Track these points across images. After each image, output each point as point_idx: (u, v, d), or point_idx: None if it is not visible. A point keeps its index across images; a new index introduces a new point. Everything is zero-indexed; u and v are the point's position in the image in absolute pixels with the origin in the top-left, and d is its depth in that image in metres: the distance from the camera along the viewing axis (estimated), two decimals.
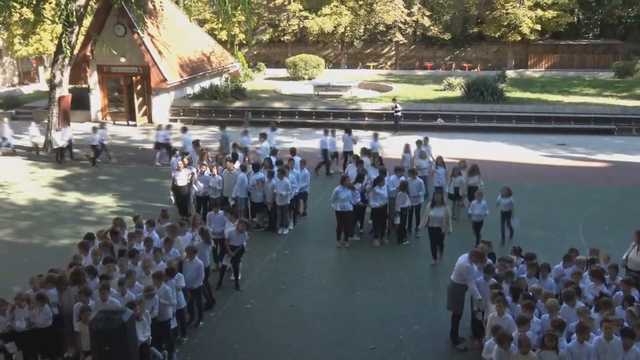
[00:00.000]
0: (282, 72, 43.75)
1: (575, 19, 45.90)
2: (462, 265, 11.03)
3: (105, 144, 24.74)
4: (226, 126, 23.90)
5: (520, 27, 43.35)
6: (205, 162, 17.40)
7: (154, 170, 23.27)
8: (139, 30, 30.26)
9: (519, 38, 44.40)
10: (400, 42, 47.50)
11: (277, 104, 33.67)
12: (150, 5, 31.21)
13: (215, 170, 16.86)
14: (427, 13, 45.72)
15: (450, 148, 24.60)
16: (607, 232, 16.14)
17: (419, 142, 19.67)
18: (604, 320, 9.13)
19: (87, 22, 31.46)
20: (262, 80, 42.11)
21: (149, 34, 31.40)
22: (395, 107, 28.93)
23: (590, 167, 23.59)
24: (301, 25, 46.50)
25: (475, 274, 11.05)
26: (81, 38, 30.58)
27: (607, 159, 24.67)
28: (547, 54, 46.94)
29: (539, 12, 43.51)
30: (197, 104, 33.71)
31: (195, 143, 19.94)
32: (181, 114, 33.13)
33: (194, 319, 12.00)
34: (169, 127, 24.65)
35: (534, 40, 45.42)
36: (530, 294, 10.28)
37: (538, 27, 43.76)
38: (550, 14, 43.47)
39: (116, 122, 32.72)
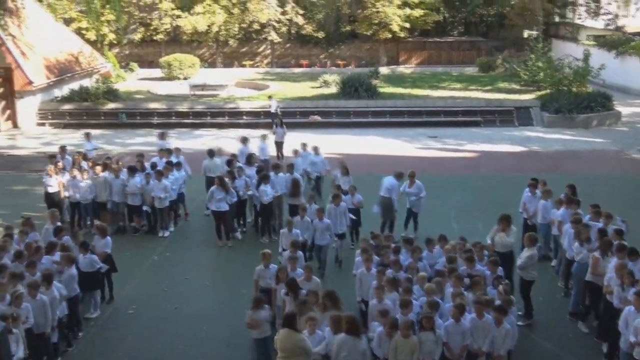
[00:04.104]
0: (156, 72, 42.64)
1: (441, 18, 48.11)
2: (390, 183, 15.39)
3: None
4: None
5: (391, 25, 44.82)
6: (76, 167, 16.79)
7: (22, 178, 22.06)
8: None
9: (390, 36, 45.87)
10: (275, 40, 47.70)
11: (153, 105, 32.81)
12: (10, 4, 29.50)
13: (84, 175, 16.31)
14: (301, 12, 46.22)
15: (328, 144, 25.03)
16: (477, 217, 17.06)
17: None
18: (475, 301, 9.72)
19: None
20: (135, 81, 40.84)
21: (9, 34, 29.62)
22: (270, 105, 29.11)
23: (459, 157, 24.86)
24: (174, 24, 45.56)
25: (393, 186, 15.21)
26: None
27: (475, 149, 26.10)
28: (416, 51, 48.84)
29: (407, 10, 45.18)
30: (67, 107, 32.18)
31: (62, 148, 18.98)
32: (50, 117, 31.54)
33: (72, 329, 11.50)
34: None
35: (404, 38, 47.16)
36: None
37: (407, 25, 45.45)
38: (417, 12, 45.24)
39: None
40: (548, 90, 32.77)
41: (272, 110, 28.92)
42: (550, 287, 13.32)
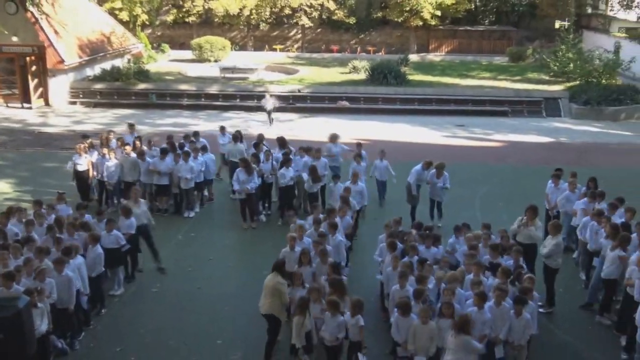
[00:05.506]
0: (188, 54, 42.92)
1: (473, 6, 47.56)
2: (413, 169, 15.81)
3: None
4: None
5: (422, 12, 44.40)
6: (105, 147, 17.06)
7: (52, 155, 22.49)
8: (31, 8, 28.95)
9: (421, 23, 45.45)
10: (306, 25, 47.63)
11: (183, 86, 33.16)
12: None
13: (112, 155, 16.58)
14: None
15: (355, 130, 25.11)
16: (501, 207, 17.04)
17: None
18: (496, 288, 9.76)
19: None
20: (166, 62, 41.17)
21: (43, 12, 30.04)
22: (264, 102, 27.10)
23: (486, 146, 24.75)
24: (206, 7, 45.71)
25: (419, 173, 15.61)
26: None
27: (502, 139, 25.96)
28: (446, 39, 48.39)
29: None
30: (98, 86, 32.66)
31: (130, 126, 19.29)
32: (81, 96, 32.06)
33: (95, 307, 11.79)
34: None
35: (435, 26, 46.68)
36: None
37: (438, 12, 44.94)
38: (449, 0, 44.77)
39: (9, 105, 31.27)
40: (577, 82, 32.43)
41: (269, 107, 26.75)
42: (571, 278, 13.29)
